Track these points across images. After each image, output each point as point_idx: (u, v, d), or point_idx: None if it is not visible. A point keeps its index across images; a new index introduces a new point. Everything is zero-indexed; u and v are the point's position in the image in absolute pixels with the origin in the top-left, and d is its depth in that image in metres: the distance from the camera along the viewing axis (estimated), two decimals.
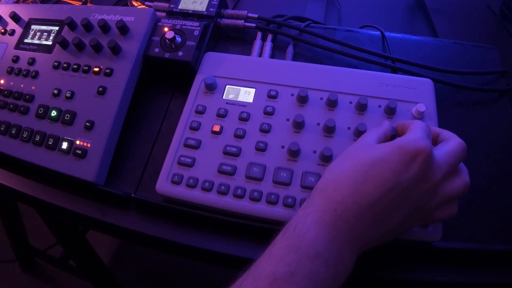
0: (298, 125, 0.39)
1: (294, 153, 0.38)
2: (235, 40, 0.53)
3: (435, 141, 0.33)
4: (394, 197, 0.28)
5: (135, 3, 0.57)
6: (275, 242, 0.28)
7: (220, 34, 0.53)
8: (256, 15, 0.51)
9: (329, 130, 0.39)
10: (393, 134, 0.34)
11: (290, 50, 0.49)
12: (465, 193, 0.30)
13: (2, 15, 0.54)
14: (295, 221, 0.29)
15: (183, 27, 0.47)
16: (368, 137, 0.32)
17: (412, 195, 0.28)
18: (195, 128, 0.41)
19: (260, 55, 0.49)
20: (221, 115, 0.42)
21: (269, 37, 0.51)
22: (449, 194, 0.29)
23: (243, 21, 0.51)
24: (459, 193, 0.29)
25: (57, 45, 0.48)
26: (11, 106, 0.47)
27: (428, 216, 0.30)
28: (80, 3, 0.63)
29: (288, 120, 0.41)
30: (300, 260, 0.26)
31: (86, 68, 0.46)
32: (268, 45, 0.50)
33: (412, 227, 0.32)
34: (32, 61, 0.49)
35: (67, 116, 0.44)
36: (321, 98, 0.41)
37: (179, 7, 0.51)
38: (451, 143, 0.30)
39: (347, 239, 0.28)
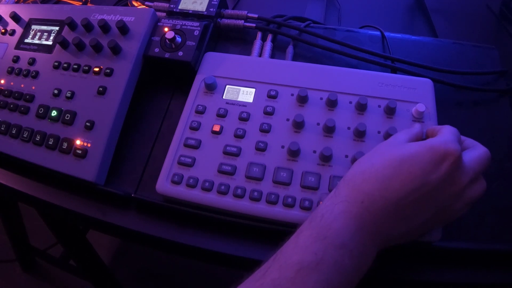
0: (298, 125, 0.39)
1: (294, 153, 0.38)
2: (235, 40, 0.53)
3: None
4: (420, 196, 0.28)
5: (135, 3, 0.57)
6: (301, 230, 0.29)
7: (220, 34, 0.53)
8: (256, 15, 0.51)
9: (329, 130, 0.39)
10: (423, 138, 0.34)
11: (290, 50, 0.49)
12: (481, 198, 0.30)
13: (2, 15, 0.54)
14: (321, 210, 0.29)
15: (183, 27, 0.47)
16: (399, 136, 0.33)
17: (437, 196, 0.29)
18: (195, 128, 0.41)
19: (260, 55, 0.49)
20: (221, 115, 0.42)
21: (269, 37, 0.51)
22: (471, 199, 0.30)
23: (243, 21, 0.51)
24: (478, 198, 0.30)
25: (57, 45, 0.48)
26: (12, 106, 0.47)
27: (448, 218, 0.30)
28: (80, 3, 0.63)
29: (288, 120, 0.41)
30: (326, 250, 0.27)
31: (86, 68, 0.46)
32: (268, 45, 0.50)
33: (433, 228, 0.32)
34: (32, 61, 0.49)
35: (67, 116, 0.44)
36: (321, 98, 0.41)
37: (179, 7, 0.51)
38: (478, 151, 0.31)
39: (371, 232, 0.28)
